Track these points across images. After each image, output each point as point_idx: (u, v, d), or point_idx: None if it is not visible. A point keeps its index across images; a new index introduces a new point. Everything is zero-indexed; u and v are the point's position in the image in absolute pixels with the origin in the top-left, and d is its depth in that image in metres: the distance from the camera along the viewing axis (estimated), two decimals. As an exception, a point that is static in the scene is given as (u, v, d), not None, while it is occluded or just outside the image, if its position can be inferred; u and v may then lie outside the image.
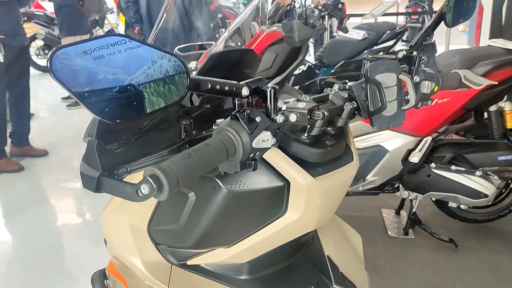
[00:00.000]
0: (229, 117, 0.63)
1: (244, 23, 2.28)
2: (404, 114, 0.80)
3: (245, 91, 0.65)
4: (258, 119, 0.63)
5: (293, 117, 0.66)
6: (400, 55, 0.86)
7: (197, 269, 0.90)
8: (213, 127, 0.66)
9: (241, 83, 0.65)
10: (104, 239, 1.00)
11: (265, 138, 0.63)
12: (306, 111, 0.65)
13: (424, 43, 0.91)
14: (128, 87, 0.51)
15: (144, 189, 0.52)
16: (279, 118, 0.66)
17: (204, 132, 0.78)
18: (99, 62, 0.50)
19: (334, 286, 0.97)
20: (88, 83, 0.48)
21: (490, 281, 2.15)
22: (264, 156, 0.74)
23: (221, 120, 0.65)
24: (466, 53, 2.27)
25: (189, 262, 0.90)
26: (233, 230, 0.83)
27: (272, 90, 0.66)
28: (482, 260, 2.30)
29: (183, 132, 0.77)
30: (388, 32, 3.83)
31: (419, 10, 6.84)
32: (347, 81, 0.88)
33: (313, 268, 0.99)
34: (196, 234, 0.83)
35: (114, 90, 0.50)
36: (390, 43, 3.85)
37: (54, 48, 0.48)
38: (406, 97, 0.80)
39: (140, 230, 0.91)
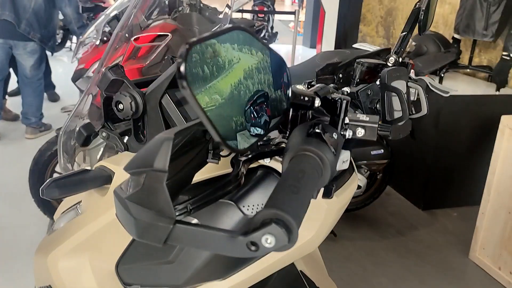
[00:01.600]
0: (304, 135, 0.51)
1: (126, 11, 2.04)
2: (411, 123, 0.78)
3: (317, 102, 0.54)
4: (335, 135, 0.52)
5: (360, 132, 0.57)
6: (391, 61, 0.84)
7: None
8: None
9: (310, 90, 0.54)
10: (47, 287, 0.77)
11: (345, 159, 0.52)
12: (377, 125, 0.57)
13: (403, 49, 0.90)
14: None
15: (268, 240, 0.37)
16: (348, 134, 0.56)
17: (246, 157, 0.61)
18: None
19: None
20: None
21: (369, 266, 2.35)
22: (276, 167, 0.64)
23: (280, 139, 0.53)
24: (343, 55, 2.42)
25: None
26: (233, 259, 0.71)
27: (345, 102, 0.56)
28: (359, 247, 2.50)
29: (211, 151, 0.60)
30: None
31: (265, 9, 7.20)
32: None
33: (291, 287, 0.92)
34: (191, 269, 0.69)
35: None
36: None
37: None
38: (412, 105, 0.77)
39: (105, 271, 0.73)
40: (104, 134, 0.86)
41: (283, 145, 0.57)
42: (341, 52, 2.48)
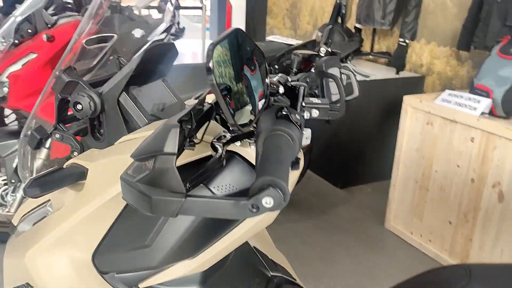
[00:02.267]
0: (274, 116, 0.58)
1: (37, 9, 1.95)
2: (345, 105, 0.88)
3: (281, 89, 0.61)
4: (298, 116, 0.59)
5: (316, 113, 0.65)
6: (323, 51, 0.93)
7: None
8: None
9: (274, 80, 0.61)
10: (25, 285, 0.78)
11: (307, 136, 0.60)
12: (328, 106, 0.65)
13: (330, 40, 1.01)
14: None
15: (268, 201, 0.44)
16: (306, 115, 0.64)
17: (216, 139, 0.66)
18: None
19: (271, 273, 0.99)
20: None
21: (300, 246, 2.50)
22: (244, 154, 0.71)
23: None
24: (263, 48, 2.52)
25: (141, 285, 0.78)
26: (203, 237, 0.76)
27: (302, 88, 0.64)
28: (287, 229, 2.64)
29: (187, 139, 0.64)
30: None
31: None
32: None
33: (248, 263, 0.99)
34: (166, 250, 0.73)
35: None
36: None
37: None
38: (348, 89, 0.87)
39: (83, 262, 0.76)
40: (57, 135, 0.87)
41: (251, 128, 0.64)
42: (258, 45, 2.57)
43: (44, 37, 1.84)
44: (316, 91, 0.87)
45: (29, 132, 0.93)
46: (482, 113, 2.13)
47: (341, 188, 3.20)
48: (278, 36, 2.80)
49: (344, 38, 3.45)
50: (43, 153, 1.06)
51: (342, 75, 0.94)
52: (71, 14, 2.16)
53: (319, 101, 0.67)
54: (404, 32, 2.97)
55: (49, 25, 1.95)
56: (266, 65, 0.63)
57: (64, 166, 0.77)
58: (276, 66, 1.00)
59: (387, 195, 2.69)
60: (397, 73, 3.06)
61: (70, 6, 2.46)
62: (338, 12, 1.03)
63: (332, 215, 2.84)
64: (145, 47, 1.23)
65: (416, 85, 3.17)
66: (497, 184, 2.07)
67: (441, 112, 2.28)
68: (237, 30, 0.56)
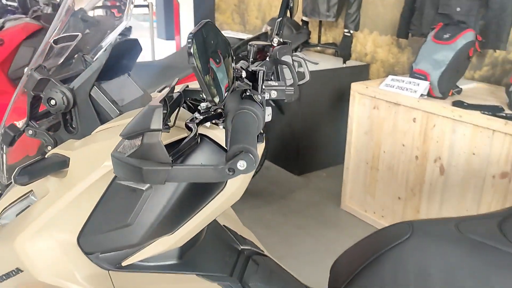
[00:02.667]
0: (239, 97, 0.67)
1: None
2: (298, 89, 0.99)
3: (244, 74, 0.70)
4: (259, 97, 0.69)
5: (274, 94, 0.75)
6: (275, 42, 1.04)
7: (133, 267, 0.87)
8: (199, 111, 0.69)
9: (237, 66, 0.70)
10: (15, 270, 0.83)
11: (269, 112, 0.70)
12: (284, 87, 0.75)
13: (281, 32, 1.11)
14: None
15: (242, 164, 0.54)
16: (267, 95, 0.74)
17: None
18: None
19: (241, 247, 1.09)
20: None
21: (261, 230, 2.61)
22: (213, 137, 0.80)
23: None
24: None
25: (124, 263, 0.86)
26: (180, 214, 0.84)
27: (262, 72, 0.73)
28: (248, 216, 2.75)
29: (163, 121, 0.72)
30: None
31: (117, 3, 7.01)
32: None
33: (219, 239, 1.08)
34: (147, 227, 0.81)
35: None
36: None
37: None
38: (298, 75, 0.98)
39: (69, 244, 0.82)
40: (30, 132, 0.92)
41: (220, 110, 0.73)
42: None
43: (-5, 41, 1.85)
44: (272, 77, 0.98)
45: (1, 131, 0.97)
46: (422, 95, 2.31)
47: (298, 175, 3.34)
48: (229, 31, 2.89)
49: (292, 31, 3.59)
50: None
51: (294, 62, 1.05)
52: (18, 16, 2.15)
53: (276, 84, 0.77)
54: (348, 23, 3.14)
55: (-5, 26, 1.95)
56: (232, 57, 0.72)
57: (46, 157, 0.83)
58: (234, 57, 1.09)
59: (341, 178, 2.85)
60: (344, 62, 3.23)
61: (11, 8, 2.44)
62: (287, 5, 1.13)
63: (291, 201, 2.97)
64: (109, 43, 1.29)
65: (362, 73, 3.36)
66: (438, 159, 2.26)
67: (386, 96, 2.45)
68: (207, 22, 0.64)
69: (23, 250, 0.82)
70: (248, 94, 0.68)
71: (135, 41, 0.97)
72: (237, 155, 0.55)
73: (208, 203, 0.85)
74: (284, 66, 0.94)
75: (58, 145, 0.94)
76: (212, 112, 0.73)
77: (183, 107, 0.89)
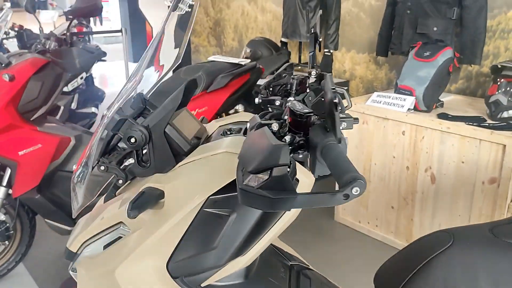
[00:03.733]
0: (323, 132, 0.77)
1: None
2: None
3: (314, 118, 0.80)
4: (340, 129, 0.79)
5: (344, 125, 0.85)
6: (313, 74, 1.13)
7: None
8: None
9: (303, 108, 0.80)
10: None
11: (347, 142, 0.79)
12: (352, 119, 0.86)
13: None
14: None
15: (355, 190, 0.62)
16: (342, 126, 0.83)
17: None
18: None
19: (291, 263, 1.17)
20: None
21: (263, 247, 2.67)
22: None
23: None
24: (207, 68, 2.67)
25: (203, 284, 0.92)
26: (254, 235, 0.91)
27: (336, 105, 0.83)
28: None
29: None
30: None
31: (84, 29, 6.95)
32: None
33: (271, 256, 1.15)
34: (229, 251, 0.88)
35: None
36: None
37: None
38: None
39: (160, 270, 0.89)
40: (102, 167, 0.97)
41: (302, 141, 0.82)
42: (202, 65, 2.72)
43: (6, 77, 1.85)
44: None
45: (74, 167, 1.01)
46: (409, 109, 2.47)
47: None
48: (218, 56, 2.97)
49: (272, 52, 3.73)
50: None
51: (337, 93, 1.15)
52: (21, 52, 2.17)
53: (345, 115, 0.87)
54: (328, 43, 3.30)
55: (3, 65, 1.95)
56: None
57: (143, 190, 0.89)
58: (270, 88, 1.18)
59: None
60: (325, 80, 3.37)
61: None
62: (316, 39, 1.23)
63: (286, 216, 3.05)
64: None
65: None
66: (429, 168, 2.42)
67: (374, 111, 2.60)
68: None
69: (124, 279, 0.87)
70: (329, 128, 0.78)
71: (194, 80, 1.05)
72: (351, 182, 0.64)
73: (275, 223, 0.93)
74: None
75: (128, 178, 0.99)
76: (296, 144, 0.81)
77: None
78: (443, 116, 2.38)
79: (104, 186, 1.11)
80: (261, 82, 2.98)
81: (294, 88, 1.11)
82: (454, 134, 2.27)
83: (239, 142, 0.96)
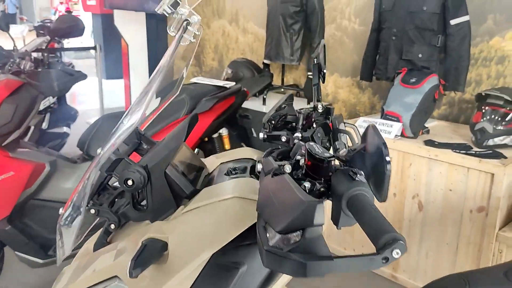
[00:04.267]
0: (349, 180, 0.69)
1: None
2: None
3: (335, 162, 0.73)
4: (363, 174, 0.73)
5: None
6: (320, 108, 1.07)
7: None
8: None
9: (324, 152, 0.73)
10: None
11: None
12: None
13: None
14: None
15: (396, 252, 0.55)
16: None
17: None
18: None
19: None
20: None
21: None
22: None
23: None
24: (191, 91, 2.59)
25: None
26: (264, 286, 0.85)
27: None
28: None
29: None
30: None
31: (56, 45, 6.74)
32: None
33: None
34: None
35: None
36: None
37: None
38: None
39: None
40: (93, 211, 0.88)
41: (323, 189, 0.74)
42: (185, 88, 2.63)
43: (-22, 100, 1.73)
44: (328, 144, 1.01)
45: (61, 211, 0.91)
46: (396, 136, 2.45)
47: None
48: (201, 77, 2.90)
49: (254, 74, 3.68)
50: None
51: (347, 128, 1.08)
52: (-7, 72, 2.04)
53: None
54: (311, 67, 3.27)
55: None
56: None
57: (143, 242, 0.79)
58: (272, 122, 1.11)
59: (317, 217, 2.90)
60: (308, 103, 3.34)
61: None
62: (320, 70, 1.17)
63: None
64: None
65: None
66: (416, 195, 2.39)
67: (360, 137, 2.57)
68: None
69: None
70: (359, 175, 0.70)
71: (196, 116, 0.97)
72: (391, 244, 0.56)
73: (279, 278, 0.86)
74: (342, 134, 0.98)
75: (122, 222, 0.90)
76: (317, 192, 0.74)
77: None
78: (429, 143, 2.36)
79: (90, 228, 1.01)
80: (245, 104, 2.92)
81: (300, 123, 1.05)
82: (442, 162, 2.25)
83: (248, 184, 0.88)
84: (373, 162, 0.66)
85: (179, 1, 0.95)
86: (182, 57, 3.94)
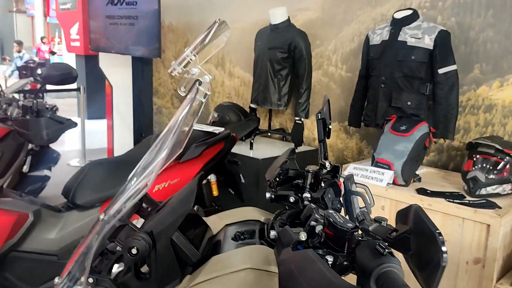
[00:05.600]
0: (377, 255, 0.64)
1: None
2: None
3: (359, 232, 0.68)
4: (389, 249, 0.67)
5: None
6: (328, 166, 1.03)
7: None
8: None
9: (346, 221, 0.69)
10: None
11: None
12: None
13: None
14: None
15: None
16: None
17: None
18: None
19: None
20: None
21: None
22: None
23: None
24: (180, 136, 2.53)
25: None
26: None
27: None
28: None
29: None
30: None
31: (38, 86, 6.64)
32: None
33: None
34: None
35: None
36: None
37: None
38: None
39: None
40: (91, 279, 0.80)
41: (346, 262, 0.68)
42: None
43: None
44: (339, 205, 0.96)
45: (56, 280, 0.82)
46: (388, 184, 2.42)
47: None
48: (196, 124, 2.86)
49: (241, 118, 3.65)
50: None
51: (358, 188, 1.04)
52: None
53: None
54: (299, 112, 3.27)
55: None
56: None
57: None
58: (277, 179, 1.05)
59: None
60: (296, 148, 3.32)
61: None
62: (325, 127, 1.14)
63: None
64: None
65: (313, 157, 3.46)
66: (410, 245, 2.34)
67: (351, 185, 2.53)
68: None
69: None
70: (387, 250, 0.65)
71: (203, 175, 0.91)
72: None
73: None
74: (354, 195, 0.93)
75: None
76: (340, 266, 0.68)
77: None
78: (422, 191, 2.33)
79: None
80: (233, 149, 2.87)
81: (308, 183, 1.00)
82: (436, 212, 2.21)
83: (261, 254, 0.82)
84: (421, 248, 0.61)
85: (190, 61, 0.91)
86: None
